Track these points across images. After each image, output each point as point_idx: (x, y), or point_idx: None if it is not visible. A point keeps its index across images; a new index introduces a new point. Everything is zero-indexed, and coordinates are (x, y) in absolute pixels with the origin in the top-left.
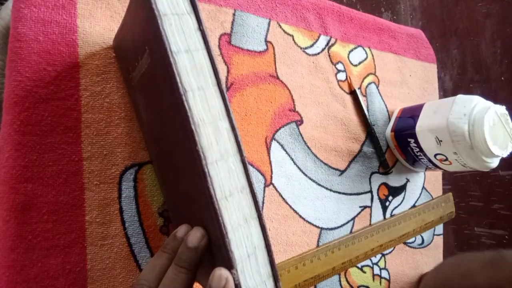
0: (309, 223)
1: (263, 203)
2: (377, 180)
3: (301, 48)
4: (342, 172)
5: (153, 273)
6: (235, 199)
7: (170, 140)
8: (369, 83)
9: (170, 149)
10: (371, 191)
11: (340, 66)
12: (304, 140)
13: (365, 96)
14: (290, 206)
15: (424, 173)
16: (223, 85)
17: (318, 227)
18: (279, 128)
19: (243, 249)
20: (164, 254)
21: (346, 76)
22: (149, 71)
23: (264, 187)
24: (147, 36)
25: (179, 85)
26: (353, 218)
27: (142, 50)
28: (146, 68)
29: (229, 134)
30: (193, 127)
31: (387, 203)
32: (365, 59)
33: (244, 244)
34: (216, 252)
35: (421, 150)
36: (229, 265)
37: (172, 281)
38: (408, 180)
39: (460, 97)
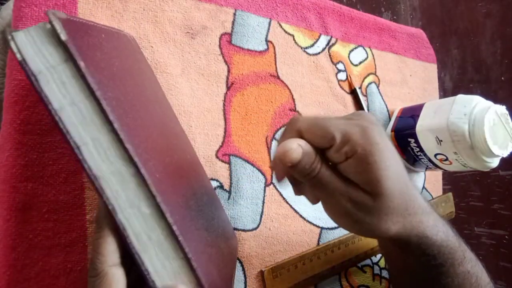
0: (310, 222)
1: (263, 202)
2: None
3: (301, 48)
4: None
5: None
6: (155, 242)
7: None
8: (370, 83)
9: None
10: None
11: (340, 66)
12: None
13: (365, 95)
14: (291, 206)
15: (424, 173)
16: (119, 129)
17: (318, 226)
18: (280, 128)
19: None
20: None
21: (347, 76)
22: None
23: (265, 187)
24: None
25: (71, 141)
26: None
27: None
28: None
29: (136, 179)
30: (93, 180)
31: None
32: (366, 59)
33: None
34: None
35: (421, 150)
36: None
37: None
38: None
39: (460, 97)
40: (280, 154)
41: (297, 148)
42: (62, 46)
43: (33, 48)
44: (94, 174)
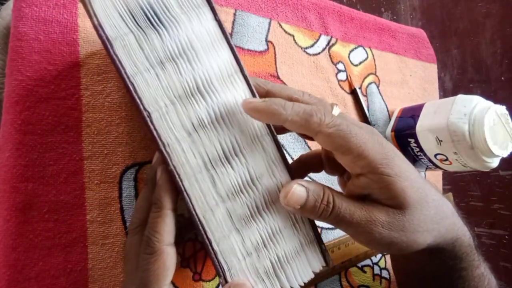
0: None
1: None
2: None
3: (301, 48)
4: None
5: (136, 208)
6: (219, 211)
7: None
8: (370, 83)
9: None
10: None
11: (340, 66)
12: (304, 140)
13: (365, 96)
14: None
15: (424, 173)
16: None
17: (318, 226)
18: None
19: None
20: (144, 187)
21: (347, 76)
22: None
23: None
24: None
25: (141, 107)
26: None
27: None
28: None
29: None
30: (162, 148)
31: None
32: (366, 59)
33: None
34: None
35: (421, 150)
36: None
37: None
38: None
39: (460, 97)
40: (282, 199)
41: (297, 187)
42: None
43: None
44: (162, 142)
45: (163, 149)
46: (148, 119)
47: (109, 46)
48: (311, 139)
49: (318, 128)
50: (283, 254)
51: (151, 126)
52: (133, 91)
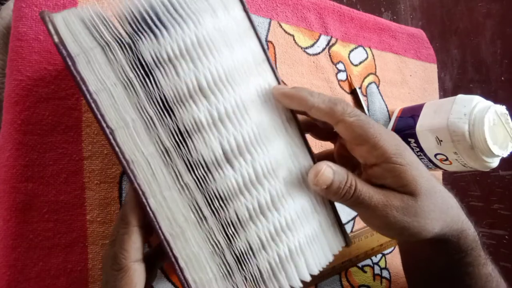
0: None
1: None
2: None
3: (301, 48)
4: None
5: (116, 220)
6: (189, 229)
7: None
8: (370, 83)
9: None
10: None
11: (340, 66)
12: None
13: (365, 96)
14: None
15: None
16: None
17: None
18: None
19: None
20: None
21: (347, 76)
22: None
23: None
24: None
25: (103, 124)
26: (354, 218)
27: None
28: None
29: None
30: (125, 166)
31: None
32: (366, 59)
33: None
34: None
35: (421, 150)
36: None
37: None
38: None
39: (460, 97)
40: (312, 178)
41: (327, 168)
42: None
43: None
44: (126, 159)
45: (126, 166)
46: (110, 136)
47: (70, 63)
48: (323, 136)
49: (341, 117)
50: (279, 256)
51: (114, 143)
52: (94, 108)
